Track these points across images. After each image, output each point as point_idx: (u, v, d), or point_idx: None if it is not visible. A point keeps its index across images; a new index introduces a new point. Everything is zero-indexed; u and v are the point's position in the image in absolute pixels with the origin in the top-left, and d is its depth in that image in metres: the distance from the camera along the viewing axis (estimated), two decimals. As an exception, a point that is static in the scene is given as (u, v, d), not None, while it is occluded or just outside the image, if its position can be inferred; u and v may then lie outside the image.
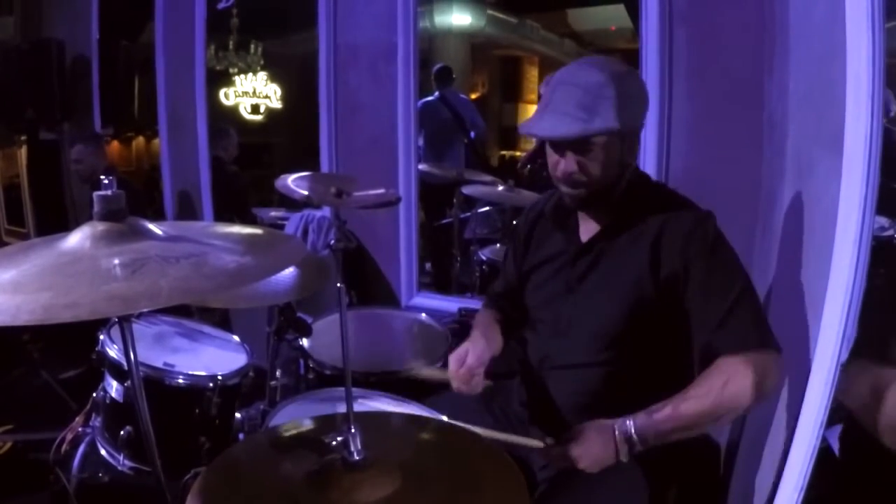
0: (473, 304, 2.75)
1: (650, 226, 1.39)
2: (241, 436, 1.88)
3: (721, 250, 1.35)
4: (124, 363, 1.71)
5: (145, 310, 0.95)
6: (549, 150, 1.42)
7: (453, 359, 1.53)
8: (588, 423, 1.31)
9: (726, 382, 1.25)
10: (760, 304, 1.35)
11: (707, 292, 1.32)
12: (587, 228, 1.49)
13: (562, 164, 1.39)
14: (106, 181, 0.94)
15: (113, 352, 1.84)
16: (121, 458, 1.78)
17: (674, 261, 1.35)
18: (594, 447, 1.27)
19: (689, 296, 1.34)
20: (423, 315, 2.41)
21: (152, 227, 0.96)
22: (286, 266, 0.98)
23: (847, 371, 1.24)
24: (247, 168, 4.82)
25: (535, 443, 1.33)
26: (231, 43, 5.52)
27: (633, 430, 1.26)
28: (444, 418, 1.47)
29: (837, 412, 1.29)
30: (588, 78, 1.34)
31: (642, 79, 1.39)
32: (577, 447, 1.28)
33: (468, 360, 1.50)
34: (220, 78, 5.49)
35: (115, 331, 1.86)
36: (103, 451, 1.84)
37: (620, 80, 1.34)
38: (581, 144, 1.35)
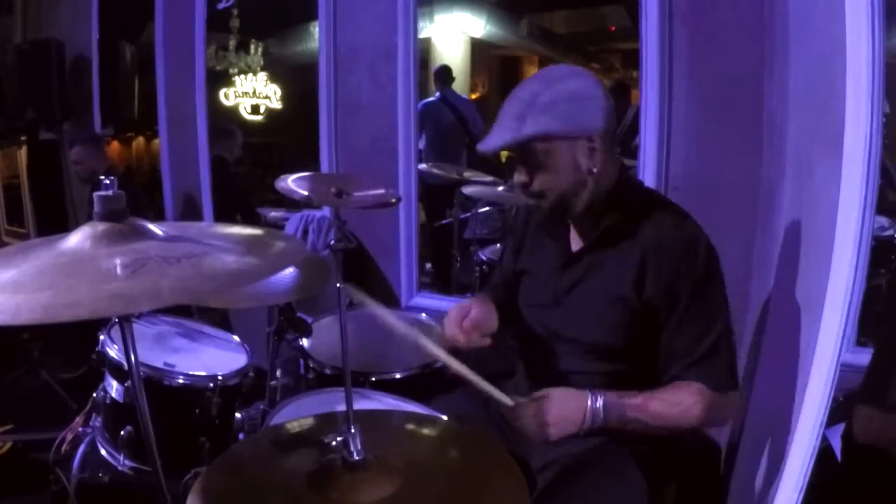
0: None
1: (639, 242, 1.36)
2: (241, 436, 1.88)
3: (706, 291, 1.33)
4: (124, 363, 1.71)
5: (146, 310, 0.95)
6: None
7: (455, 310, 1.50)
8: (562, 389, 1.33)
9: (695, 404, 1.31)
10: (733, 342, 1.37)
11: (688, 328, 1.32)
12: (577, 238, 1.48)
13: (515, 176, 1.40)
14: (106, 181, 0.94)
15: (113, 352, 1.84)
16: (121, 458, 1.79)
17: (659, 285, 1.33)
18: (564, 406, 1.30)
19: (669, 325, 1.34)
20: (423, 315, 2.41)
21: (152, 227, 0.96)
22: (286, 266, 0.98)
23: (856, 414, 1.26)
24: (247, 168, 4.83)
25: (506, 399, 1.33)
26: (231, 43, 5.52)
27: (601, 404, 1.30)
28: (444, 418, 1.47)
29: (837, 412, 1.29)
30: (524, 90, 1.34)
31: (594, 80, 1.35)
32: (547, 402, 1.30)
33: (472, 313, 1.49)
34: (220, 78, 5.49)
35: (116, 331, 1.86)
36: (103, 451, 1.84)
37: (557, 83, 1.32)
38: (524, 154, 1.35)
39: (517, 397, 1.33)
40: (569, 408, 1.30)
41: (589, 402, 1.30)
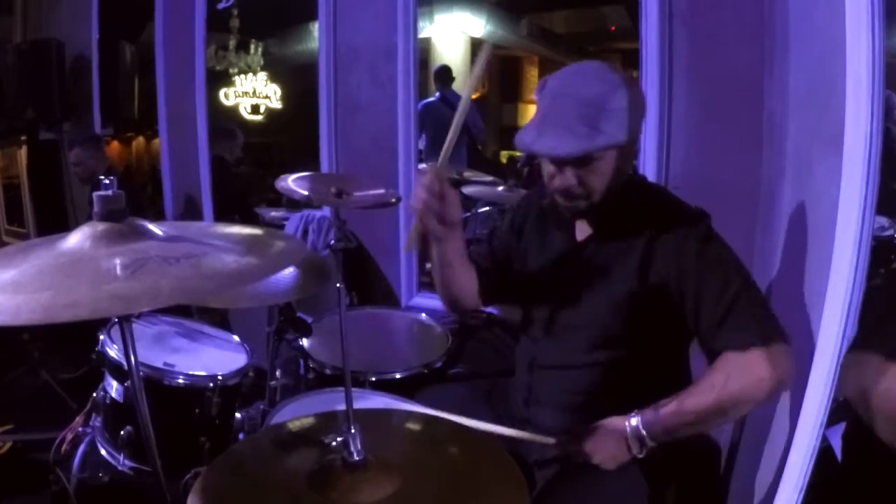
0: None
1: (643, 231, 1.37)
2: (241, 436, 1.88)
3: (712, 253, 1.33)
4: (124, 363, 1.71)
5: (145, 310, 0.95)
6: (544, 162, 1.39)
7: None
8: (599, 423, 1.32)
9: (728, 377, 1.25)
10: (761, 297, 1.34)
11: (702, 300, 1.31)
12: (582, 229, 1.48)
13: (558, 179, 1.36)
14: (106, 181, 0.94)
15: (113, 352, 1.84)
16: (121, 458, 1.78)
17: (666, 268, 1.34)
18: (607, 446, 1.30)
19: (687, 305, 1.33)
20: (423, 315, 2.41)
21: (152, 227, 0.96)
22: (286, 266, 0.98)
23: (844, 364, 1.24)
24: (247, 168, 4.83)
25: (548, 440, 1.35)
26: (231, 43, 5.53)
27: (641, 427, 1.29)
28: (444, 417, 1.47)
29: (837, 412, 1.29)
30: (586, 89, 1.30)
31: (640, 85, 1.37)
32: (590, 445, 1.31)
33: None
34: (220, 78, 5.50)
35: (116, 331, 1.86)
36: (103, 451, 1.84)
37: (622, 91, 1.29)
38: (582, 160, 1.32)
39: (561, 437, 1.34)
40: (609, 446, 1.30)
41: (627, 431, 1.29)
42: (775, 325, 1.29)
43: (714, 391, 1.25)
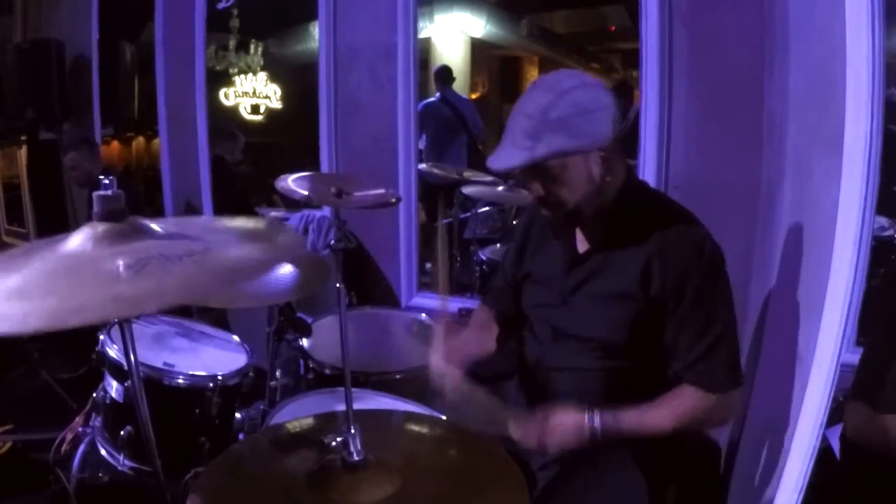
0: (473, 304, 2.74)
1: (646, 241, 1.37)
2: (241, 436, 1.88)
3: (714, 285, 1.34)
4: (124, 363, 1.71)
5: (152, 311, 0.95)
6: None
7: (439, 356, 1.53)
8: (561, 410, 1.35)
9: (690, 411, 1.33)
10: (737, 341, 1.37)
11: (689, 327, 1.33)
12: (583, 239, 1.48)
13: (531, 191, 1.40)
14: (106, 181, 0.94)
15: (113, 352, 1.84)
16: (121, 458, 1.79)
17: (666, 283, 1.34)
18: (565, 433, 1.33)
19: (670, 324, 1.35)
20: (423, 315, 2.41)
21: (153, 225, 0.95)
22: (289, 258, 0.98)
23: (846, 410, 1.26)
24: (247, 168, 4.83)
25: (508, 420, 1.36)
26: (231, 43, 5.53)
27: (598, 427, 1.33)
28: (444, 418, 1.47)
29: (837, 412, 1.29)
30: (532, 103, 1.31)
31: (602, 88, 1.34)
32: (547, 426, 1.33)
33: (459, 359, 1.51)
34: (220, 78, 5.50)
35: (116, 331, 1.86)
36: (103, 451, 1.84)
37: (567, 98, 1.29)
38: (539, 171, 1.34)
39: (517, 413, 1.36)
40: (568, 432, 1.33)
41: (586, 428, 1.33)
42: (739, 370, 1.37)
43: (672, 419, 1.32)
